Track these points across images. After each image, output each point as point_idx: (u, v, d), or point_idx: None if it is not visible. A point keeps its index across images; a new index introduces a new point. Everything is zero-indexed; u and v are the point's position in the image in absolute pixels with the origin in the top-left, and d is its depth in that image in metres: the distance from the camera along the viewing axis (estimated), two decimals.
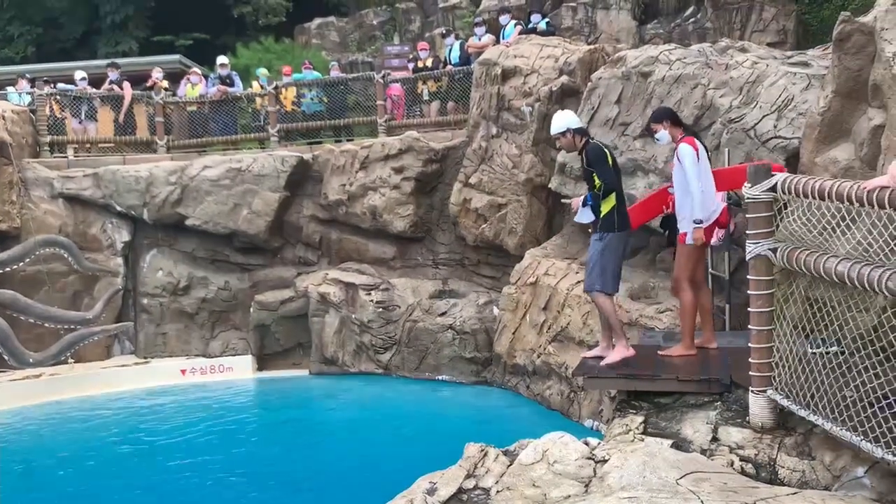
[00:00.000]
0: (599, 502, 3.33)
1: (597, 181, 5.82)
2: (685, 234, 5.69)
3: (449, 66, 12.73)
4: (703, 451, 4.25)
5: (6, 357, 10.51)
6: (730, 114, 7.67)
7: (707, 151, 5.92)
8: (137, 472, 7.91)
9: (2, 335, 10.37)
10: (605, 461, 3.86)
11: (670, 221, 6.41)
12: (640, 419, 4.79)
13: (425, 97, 12.88)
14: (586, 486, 3.67)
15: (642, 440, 4.31)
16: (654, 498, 3.31)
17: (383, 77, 12.99)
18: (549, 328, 8.97)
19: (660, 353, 5.82)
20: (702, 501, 3.28)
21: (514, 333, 9.69)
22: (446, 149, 11.70)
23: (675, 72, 8.41)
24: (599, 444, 4.19)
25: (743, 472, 4.00)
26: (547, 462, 3.91)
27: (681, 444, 4.38)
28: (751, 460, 4.11)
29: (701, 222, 5.60)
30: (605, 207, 5.89)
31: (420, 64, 13.22)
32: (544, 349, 8.97)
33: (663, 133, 5.91)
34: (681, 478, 3.61)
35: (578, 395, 8.31)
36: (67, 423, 9.78)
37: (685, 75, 8.28)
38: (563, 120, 6.12)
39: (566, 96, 10.07)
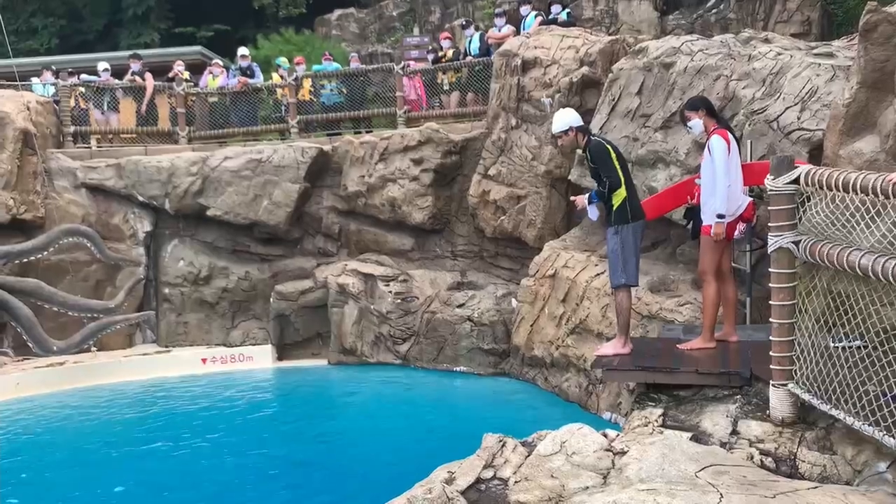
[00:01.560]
0: (618, 494, 3.33)
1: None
2: (710, 226, 5.66)
3: (469, 57, 12.70)
4: (722, 445, 4.24)
5: (31, 344, 10.78)
6: (752, 105, 7.59)
7: (739, 145, 5.88)
8: (157, 455, 8.01)
9: (27, 323, 10.62)
10: (623, 453, 3.86)
11: (694, 213, 6.34)
12: (659, 412, 4.78)
13: (445, 88, 12.86)
14: (605, 477, 3.67)
15: (661, 433, 4.30)
16: (672, 490, 3.31)
17: (403, 68, 12.99)
18: (567, 320, 8.95)
19: (678, 346, 5.80)
20: (721, 494, 3.27)
21: (532, 325, 9.68)
22: (465, 140, 11.68)
23: (697, 63, 8.33)
24: (618, 435, 4.19)
25: (762, 466, 3.98)
26: (565, 453, 3.91)
27: (700, 437, 4.37)
28: (771, 454, 4.09)
29: (723, 217, 5.57)
30: (617, 200, 5.90)
31: (440, 55, 13.20)
32: (563, 341, 8.95)
33: (697, 122, 5.89)
34: (700, 470, 3.60)
35: (596, 387, 8.29)
36: (90, 409, 9.91)
37: (707, 66, 8.20)
38: (565, 118, 6.13)
39: (586, 87, 10.02)
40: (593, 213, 6.09)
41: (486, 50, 12.50)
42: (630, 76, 9.00)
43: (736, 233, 6.93)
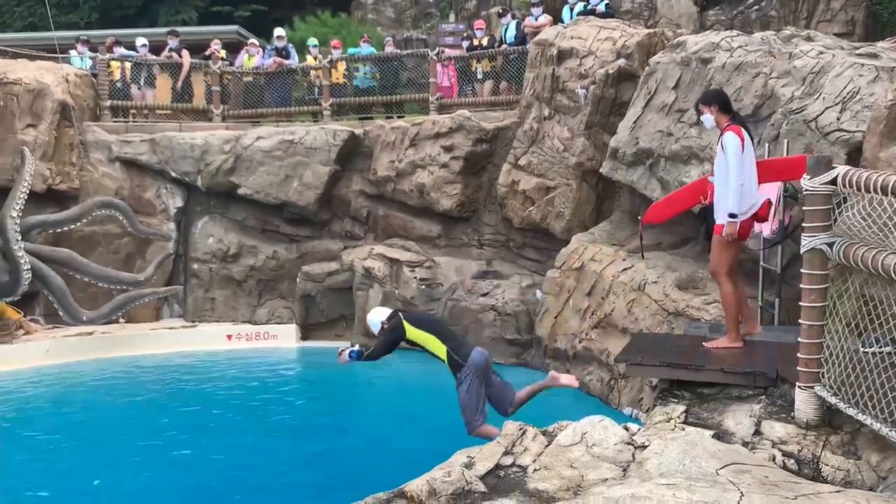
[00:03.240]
0: (637, 487, 3.32)
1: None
2: (722, 225, 5.58)
3: (504, 46, 12.64)
4: (744, 444, 4.20)
5: (61, 313, 10.99)
6: (791, 104, 7.47)
7: (753, 141, 5.77)
8: (178, 423, 8.16)
9: (58, 292, 10.82)
10: (644, 447, 3.85)
11: (708, 213, 6.20)
12: (681, 408, 4.75)
13: (479, 76, 12.81)
14: (624, 470, 3.67)
15: (683, 429, 4.28)
16: (692, 486, 3.29)
17: (437, 55, 12.96)
18: (592, 314, 8.92)
19: (704, 344, 5.76)
20: (741, 493, 3.25)
21: (556, 318, 9.66)
22: (497, 129, 11.65)
23: (736, 59, 8.21)
24: (639, 430, 4.17)
25: (785, 468, 3.94)
26: (585, 444, 3.91)
27: (722, 436, 4.33)
28: (793, 456, 4.05)
29: (735, 216, 5.47)
30: (441, 354, 5.98)
31: (475, 42, 13.14)
32: (586, 335, 8.93)
33: (708, 117, 5.78)
34: (721, 468, 3.57)
35: (619, 382, 8.26)
36: (116, 378, 10.11)
37: (746, 63, 8.08)
38: (377, 317, 6.36)
39: (622, 80, 9.93)
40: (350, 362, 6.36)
41: (521, 39, 12.43)
42: (667, 70, 8.89)
43: (766, 231, 6.86)
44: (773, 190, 6.85)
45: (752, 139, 5.70)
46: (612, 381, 8.42)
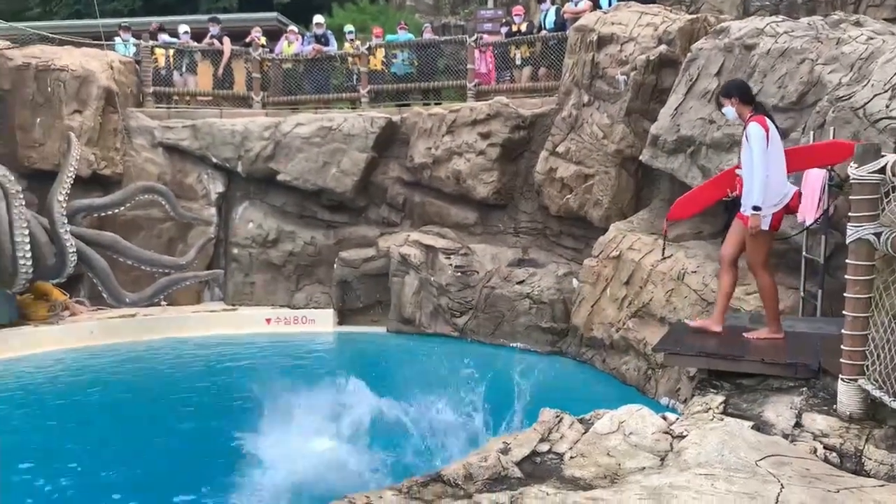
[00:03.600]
0: (675, 476, 3.31)
1: None
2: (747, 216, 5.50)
3: (543, 32, 12.54)
4: (785, 436, 4.15)
5: (105, 295, 11.25)
6: (838, 91, 7.29)
7: (779, 130, 5.65)
8: (219, 402, 8.32)
9: (102, 274, 11.08)
10: (682, 437, 3.82)
11: (735, 206, 6.06)
12: (720, 399, 4.70)
13: (517, 62, 12.74)
14: (662, 459, 3.65)
15: (721, 419, 4.24)
16: (731, 477, 3.27)
17: (475, 41, 12.91)
18: (629, 303, 8.86)
19: (745, 335, 5.69)
20: (782, 485, 3.22)
21: (592, 306, 9.61)
22: (535, 116, 11.58)
23: (781, 45, 8.03)
24: (677, 419, 4.15)
25: (826, 461, 3.89)
26: (623, 433, 3.90)
27: (762, 427, 4.28)
28: (835, 449, 3.98)
29: (759, 209, 5.36)
30: None
31: (514, 28, 13.06)
32: (623, 324, 8.87)
33: (729, 109, 5.65)
34: (760, 459, 3.54)
35: (656, 371, 8.20)
36: (158, 359, 10.33)
37: (792, 49, 7.90)
38: None
39: (663, 66, 9.79)
40: None
41: (561, 24, 12.32)
42: (710, 56, 8.74)
43: (809, 220, 6.73)
44: (818, 178, 6.72)
45: (777, 129, 5.59)
46: (649, 370, 8.36)
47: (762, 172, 5.31)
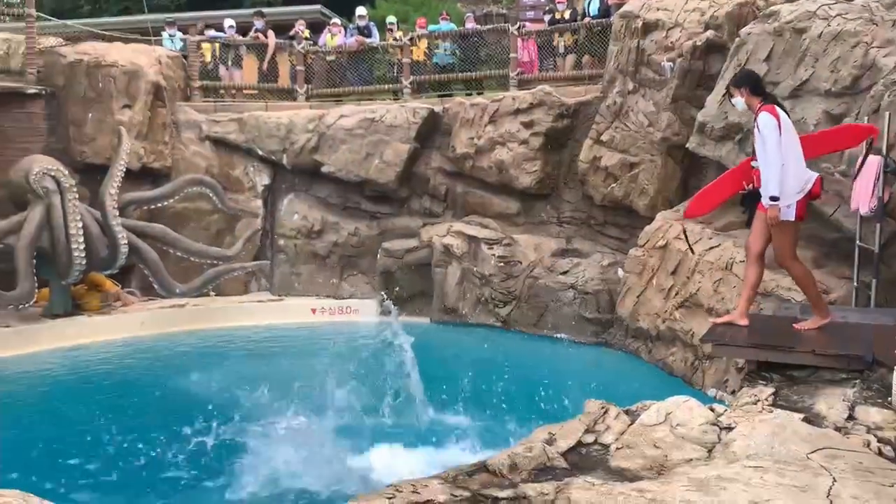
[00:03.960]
0: (723, 468, 3.27)
1: None
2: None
3: (587, 19, 12.40)
4: (837, 429, 4.06)
5: (156, 286, 11.50)
6: (893, 75, 7.07)
7: (790, 117, 5.56)
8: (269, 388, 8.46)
9: (153, 266, 11.33)
10: (730, 429, 3.77)
11: (753, 199, 5.95)
12: (769, 391, 4.62)
13: (560, 50, 12.62)
14: (710, 451, 3.61)
15: (771, 411, 4.17)
16: (782, 469, 3.21)
17: (518, 29, 12.83)
18: (676, 293, 8.74)
19: (795, 325, 5.58)
20: (834, 478, 3.15)
21: (638, 297, 9.50)
22: (578, 104, 11.46)
23: (833, 28, 7.81)
24: (725, 411, 4.09)
25: (880, 454, 3.79)
26: (669, 424, 3.86)
27: (813, 420, 4.19)
28: (890, 443, 3.88)
29: (777, 199, 5.27)
30: None
31: (557, 16, 12.94)
32: (670, 314, 8.76)
33: (738, 100, 5.63)
34: (812, 452, 3.47)
35: (703, 363, 8.09)
36: (208, 348, 10.57)
37: (845, 32, 7.67)
38: None
39: (710, 52, 9.59)
40: None
41: (605, 11, 12.16)
42: (759, 41, 8.54)
43: (865, 209, 6.55)
44: (872, 166, 6.54)
45: (789, 116, 5.52)
46: (696, 361, 8.25)
47: (777, 162, 5.25)
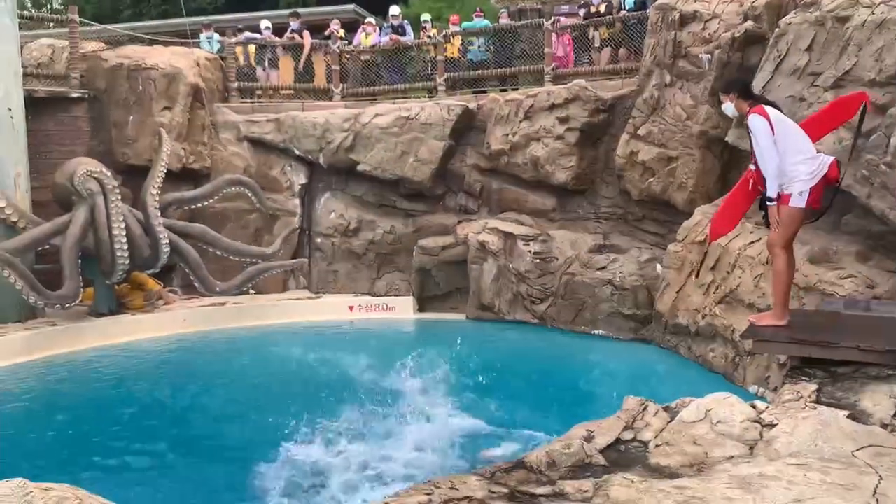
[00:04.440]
0: (765, 466, 3.22)
1: None
2: (788, 195, 5.37)
3: (623, 12, 12.27)
4: (883, 426, 3.97)
5: (197, 284, 11.69)
6: None
7: (782, 111, 5.56)
8: (305, 385, 8.62)
9: (194, 264, 11.51)
10: (772, 426, 3.72)
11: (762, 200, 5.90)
12: (813, 387, 4.54)
13: (596, 44, 12.51)
14: (751, 448, 3.56)
15: (814, 408, 4.09)
16: (826, 467, 3.16)
17: (553, 24, 12.75)
18: (716, 289, 8.62)
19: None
20: (880, 477, 3.09)
21: (677, 292, 9.39)
22: (615, 98, 11.36)
23: (878, 16, 7.60)
24: (767, 408, 4.03)
25: None
26: (710, 421, 3.82)
27: (858, 417, 4.11)
28: None
29: (772, 200, 5.37)
30: None
31: (592, 10, 12.84)
32: (710, 310, 8.64)
33: (728, 105, 5.71)
34: (857, 450, 3.41)
35: (744, 359, 7.96)
36: (249, 345, 10.73)
37: (890, 20, 7.46)
38: None
39: (749, 44, 9.43)
40: None
41: (641, 4, 12.03)
42: (799, 31, 8.36)
43: None
44: None
45: (780, 109, 5.56)
46: (737, 357, 8.13)
47: (772, 161, 5.32)
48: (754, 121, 5.40)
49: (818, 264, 7.64)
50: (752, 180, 5.77)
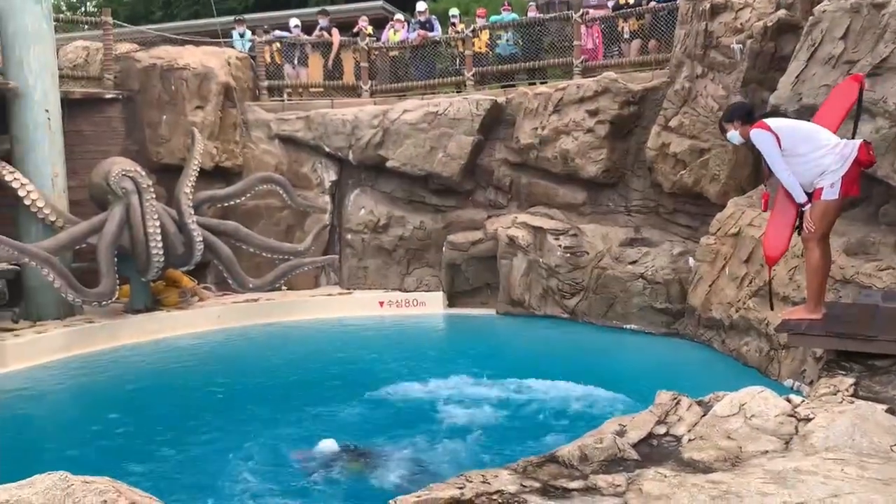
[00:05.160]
0: (801, 461, 3.18)
1: None
2: (820, 189, 5.27)
3: (652, 3, 12.14)
4: None
5: (230, 281, 11.84)
6: None
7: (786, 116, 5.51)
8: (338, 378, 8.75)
9: (227, 261, 11.66)
10: (808, 420, 3.66)
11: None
12: (850, 381, 4.46)
13: (625, 36, 12.40)
14: (786, 443, 3.51)
15: (852, 402, 4.02)
16: (864, 462, 3.10)
17: (581, 16, 12.66)
18: (750, 282, 8.51)
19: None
20: None
21: (710, 286, 9.29)
22: (645, 90, 11.25)
23: None
24: (803, 402, 3.97)
25: None
26: (744, 416, 3.77)
27: None
28: None
29: (805, 206, 5.31)
30: None
31: (621, 1, 12.72)
32: (744, 304, 8.53)
33: (733, 134, 5.65)
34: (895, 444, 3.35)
35: (779, 353, 7.85)
36: (284, 341, 10.88)
37: None
38: None
39: (782, 32, 9.27)
40: None
41: None
42: (834, 19, 8.20)
43: None
44: None
45: (783, 115, 5.47)
46: (772, 351, 8.02)
47: (785, 172, 5.29)
48: (755, 135, 5.36)
49: (855, 256, 7.51)
50: (764, 201, 5.80)
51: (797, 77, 8.38)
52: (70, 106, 11.89)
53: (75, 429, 7.50)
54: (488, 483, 3.09)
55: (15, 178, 10.76)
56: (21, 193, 10.71)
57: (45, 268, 9.91)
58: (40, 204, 10.76)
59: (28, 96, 10.99)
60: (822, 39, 8.24)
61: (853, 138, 5.52)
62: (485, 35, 13.50)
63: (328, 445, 6.35)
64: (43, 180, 11.05)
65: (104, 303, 10.53)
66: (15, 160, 11.03)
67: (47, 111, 11.15)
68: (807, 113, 8.28)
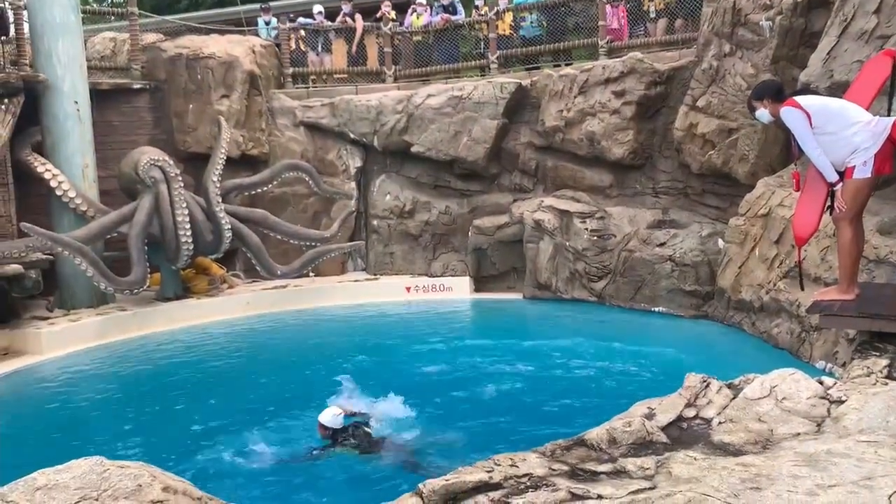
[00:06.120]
0: (833, 443, 3.14)
1: None
2: (852, 168, 5.17)
3: None
4: None
5: (259, 268, 11.95)
6: None
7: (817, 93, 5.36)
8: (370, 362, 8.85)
9: (255, 249, 11.76)
10: (841, 402, 3.62)
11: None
12: (884, 362, 4.40)
13: (651, 15, 12.21)
14: (818, 425, 3.47)
15: (886, 384, 3.97)
16: None
17: None
18: (780, 263, 8.39)
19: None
20: None
21: (740, 267, 9.18)
22: (672, 70, 11.08)
23: None
24: (835, 383, 3.92)
25: None
26: (775, 398, 3.74)
27: None
28: None
29: (836, 185, 5.24)
30: None
31: None
32: (774, 285, 8.42)
33: (762, 112, 5.54)
34: None
35: (810, 334, 7.74)
36: (312, 326, 10.98)
37: None
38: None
39: (813, 8, 9.08)
40: None
41: None
42: None
43: None
44: None
45: (813, 92, 5.49)
46: (803, 333, 7.91)
47: (816, 150, 5.20)
48: (785, 114, 5.26)
49: (889, 235, 7.36)
50: (796, 181, 5.68)
51: (828, 53, 8.21)
52: (98, 97, 12.04)
53: (111, 414, 7.66)
54: (517, 466, 3.10)
55: (47, 169, 10.95)
56: (53, 184, 10.90)
57: (78, 257, 10.08)
58: (72, 194, 10.93)
59: (57, 88, 11.15)
60: (855, 14, 8.05)
61: (889, 115, 5.40)
62: (508, 17, 13.38)
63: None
64: (74, 171, 11.22)
65: (136, 291, 10.69)
66: (46, 151, 11.22)
67: (76, 102, 11.30)
68: (839, 90, 8.11)
